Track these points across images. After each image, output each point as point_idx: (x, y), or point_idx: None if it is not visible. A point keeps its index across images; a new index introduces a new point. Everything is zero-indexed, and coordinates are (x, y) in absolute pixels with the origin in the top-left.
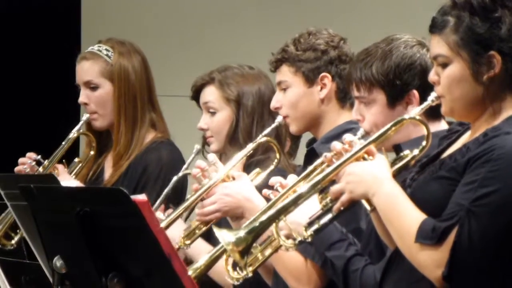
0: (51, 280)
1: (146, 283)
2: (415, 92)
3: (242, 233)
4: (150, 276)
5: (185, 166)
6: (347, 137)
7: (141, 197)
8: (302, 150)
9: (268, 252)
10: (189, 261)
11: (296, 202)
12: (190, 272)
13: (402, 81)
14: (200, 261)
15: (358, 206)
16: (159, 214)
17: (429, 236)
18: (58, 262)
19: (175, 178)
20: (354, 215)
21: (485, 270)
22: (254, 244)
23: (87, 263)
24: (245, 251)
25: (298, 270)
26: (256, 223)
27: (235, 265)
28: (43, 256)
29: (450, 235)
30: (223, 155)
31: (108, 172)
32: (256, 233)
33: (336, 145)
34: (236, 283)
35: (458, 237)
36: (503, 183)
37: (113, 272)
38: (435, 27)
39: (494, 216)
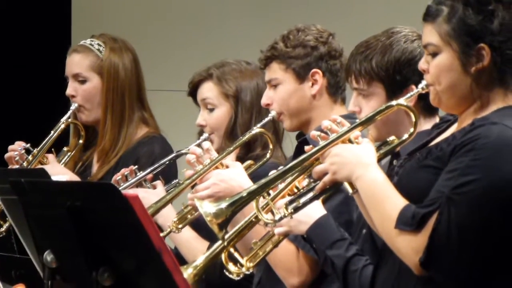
0: (41, 274)
1: (137, 278)
2: (413, 87)
3: (223, 205)
4: (140, 271)
5: (186, 149)
6: (334, 116)
7: (131, 192)
8: (290, 143)
9: (269, 247)
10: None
11: (278, 179)
12: (190, 270)
13: (402, 76)
14: (200, 259)
15: (352, 197)
16: (160, 187)
17: (408, 222)
18: (48, 256)
19: (174, 154)
20: (347, 207)
21: (464, 258)
22: (254, 240)
23: (78, 258)
24: (224, 224)
25: (290, 261)
26: (237, 197)
27: (236, 261)
28: (34, 250)
29: (429, 222)
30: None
31: (95, 167)
32: (236, 207)
33: (325, 122)
34: (236, 278)
35: (437, 224)
36: (484, 173)
37: (104, 266)
38: (429, 15)
39: (473, 205)
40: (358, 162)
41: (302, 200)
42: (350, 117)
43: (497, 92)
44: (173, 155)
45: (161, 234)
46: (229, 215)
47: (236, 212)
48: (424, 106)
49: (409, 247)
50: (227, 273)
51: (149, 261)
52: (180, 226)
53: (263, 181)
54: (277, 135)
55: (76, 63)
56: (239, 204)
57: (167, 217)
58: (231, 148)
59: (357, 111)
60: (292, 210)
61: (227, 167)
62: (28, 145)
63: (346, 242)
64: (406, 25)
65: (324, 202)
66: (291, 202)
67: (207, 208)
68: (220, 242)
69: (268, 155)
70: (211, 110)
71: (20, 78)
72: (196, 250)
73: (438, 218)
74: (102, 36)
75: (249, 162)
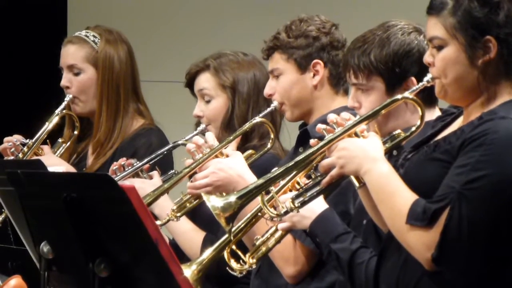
0: (38, 265)
1: (133, 268)
2: (413, 79)
3: (230, 199)
4: (137, 262)
5: (183, 140)
6: (343, 114)
7: (128, 183)
8: (287, 135)
9: (271, 243)
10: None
11: (284, 174)
12: (194, 266)
13: (401, 68)
14: (205, 254)
15: (348, 188)
16: (156, 177)
17: (420, 218)
18: (45, 247)
19: (171, 144)
20: (343, 197)
21: (475, 253)
22: (256, 236)
23: (74, 249)
24: (231, 218)
25: (286, 250)
26: (245, 191)
27: (238, 258)
28: (30, 241)
29: (440, 218)
30: None
31: (90, 159)
32: (244, 200)
33: (331, 115)
34: (239, 275)
35: (448, 220)
36: (495, 168)
37: (100, 257)
38: (433, 8)
39: (485, 200)
40: (366, 156)
41: (309, 194)
42: (352, 109)
43: (503, 85)
44: (170, 145)
45: (160, 223)
46: (237, 209)
47: (244, 206)
48: (424, 98)
49: (420, 243)
50: (229, 271)
51: (145, 252)
52: (178, 214)
53: (270, 175)
54: (275, 126)
55: (71, 54)
56: (247, 197)
57: (164, 207)
58: (231, 138)
59: (357, 107)
60: (299, 204)
61: (227, 156)
62: (27, 140)
63: (351, 235)
64: (409, 16)
65: (326, 196)
66: (297, 196)
67: (214, 202)
68: (224, 237)
69: (269, 145)
70: (208, 101)
71: (15, 69)
72: (193, 241)
73: (449, 214)
74: (97, 27)
75: (250, 151)
